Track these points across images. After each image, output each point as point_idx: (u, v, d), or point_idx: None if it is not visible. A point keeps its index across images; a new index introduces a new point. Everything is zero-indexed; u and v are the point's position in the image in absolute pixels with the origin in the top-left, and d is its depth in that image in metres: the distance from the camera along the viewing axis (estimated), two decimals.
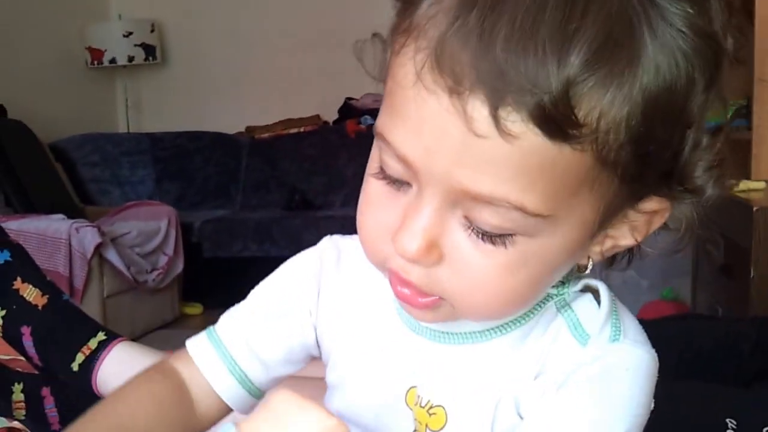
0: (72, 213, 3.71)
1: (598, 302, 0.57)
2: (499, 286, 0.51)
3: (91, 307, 3.29)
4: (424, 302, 0.53)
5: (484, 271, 0.50)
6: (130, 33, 4.75)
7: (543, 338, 0.58)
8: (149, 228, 3.62)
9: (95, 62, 4.83)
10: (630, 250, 0.58)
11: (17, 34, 4.45)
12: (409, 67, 0.48)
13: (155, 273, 3.60)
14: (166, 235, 3.72)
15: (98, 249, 3.31)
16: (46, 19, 4.64)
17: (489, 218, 0.48)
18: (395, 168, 0.51)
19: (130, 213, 3.83)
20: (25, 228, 3.39)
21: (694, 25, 0.47)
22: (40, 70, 4.57)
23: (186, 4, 4.96)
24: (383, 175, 0.53)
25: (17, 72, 4.39)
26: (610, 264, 0.59)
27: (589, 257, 0.56)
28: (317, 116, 4.84)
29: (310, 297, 0.67)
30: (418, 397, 0.60)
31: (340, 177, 4.42)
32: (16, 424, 1.07)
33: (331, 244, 0.68)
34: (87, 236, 3.29)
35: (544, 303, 0.58)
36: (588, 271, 0.57)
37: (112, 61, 4.81)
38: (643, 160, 0.48)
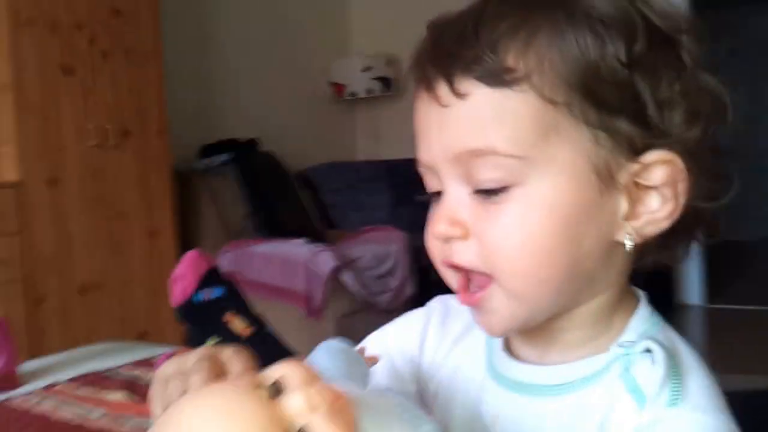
0: (314, 237, 3.88)
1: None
2: (517, 237, 0.55)
3: (327, 326, 3.41)
4: (478, 296, 0.58)
5: (500, 228, 0.56)
6: (369, 68, 4.93)
7: (605, 401, 0.57)
8: (382, 251, 3.70)
9: (338, 96, 5.06)
10: (690, 233, 0.61)
11: (270, 75, 4.77)
12: (414, 91, 0.62)
13: (387, 294, 3.66)
14: (397, 259, 3.79)
15: (334, 272, 3.43)
16: (295, 59, 4.93)
17: (482, 173, 0.55)
18: (431, 182, 0.61)
19: (366, 237, 3.94)
20: (270, 251, 3.60)
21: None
22: (288, 106, 4.87)
23: (421, 36, 5.05)
24: (430, 196, 0.62)
25: (268, 108, 4.70)
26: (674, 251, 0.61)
27: (627, 234, 0.57)
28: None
29: (414, 347, 0.73)
30: None
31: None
32: None
33: (441, 303, 0.75)
34: (324, 260, 3.43)
35: (611, 365, 0.58)
36: (628, 247, 0.57)
37: (353, 94, 5.02)
38: (593, 102, 0.54)
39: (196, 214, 3.93)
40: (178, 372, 0.52)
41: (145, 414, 1.44)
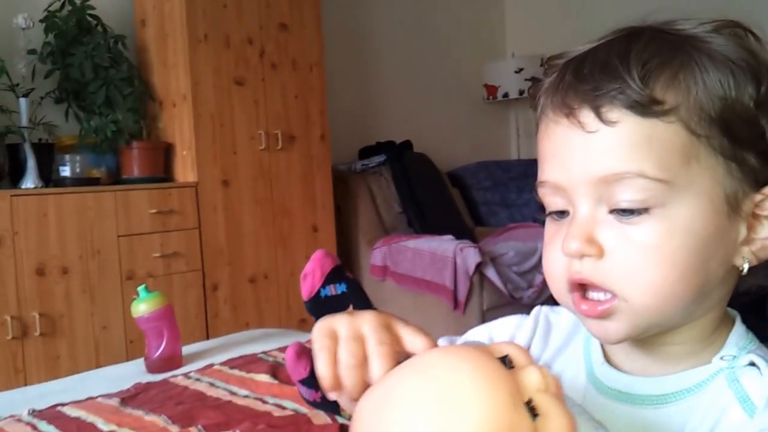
0: (462, 233, 3.96)
1: None
2: (657, 255, 0.57)
3: (471, 319, 3.48)
4: (602, 309, 0.59)
5: (638, 247, 0.57)
6: (521, 69, 4.93)
7: (713, 410, 0.58)
8: (527, 248, 3.72)
9: (490, 97, 5.10)
10: None
11: (424, 79, 4.88)
12: (543, 117, 0.64)
13: (531, 290, 3.68)
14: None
15: (479, 267, 3.50)
16: (449, 63, 5.02)
17: (624, 194, 0.57)
18: (554, 201, 0.63)
19: (511, 234, 3.97)
20: (420, 246, 3.71)
21: (728, 44, 0.59)
22: (442, 108, 4.96)
23: (571, 37, 4.99)
24: (551, 214, 0.64)
25: (423, 111, 4.82)
26: None
27: (743, 258, 0.60)
28: None
29: None
30: None
31: None
32: None
33: (543, 317, 0.78)
34: (470, 255, 3.50)
35: (714, 377, 0.60)
36: (744, 271, 0.60)
37: (505, 95, 5.04)
38: (729, 137, 0.57)
39: (353, 211, 4.10)
40: (353, 335, 0.52)
41: (285, 396, 1.58)
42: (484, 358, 0.44)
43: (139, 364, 1.93)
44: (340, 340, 0.52)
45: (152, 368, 1.85)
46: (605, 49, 0.60)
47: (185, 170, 3.39)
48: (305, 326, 3.46)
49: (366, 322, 0.53)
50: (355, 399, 0.49)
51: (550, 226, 0.64)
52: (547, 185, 0.63)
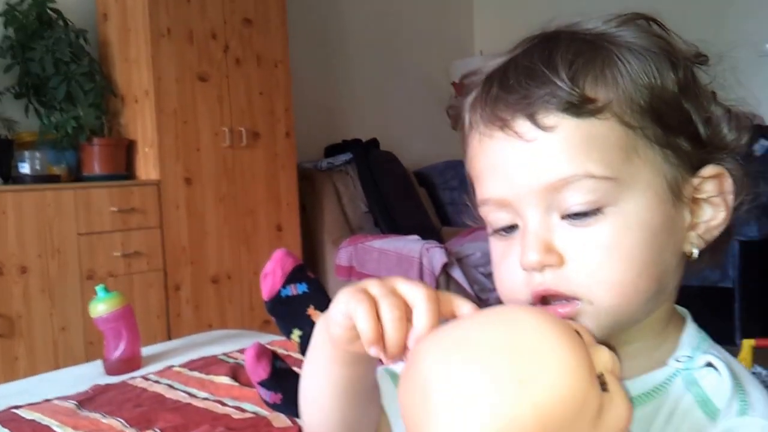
0: (429, 233, 3.98)
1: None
2: (617, 254, 0.57)
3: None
4: (566, 311, 0.58)
5: (597, 248, 0.58)
6: None
7: (676, 413, 0.59)
8: None
9: (458, 96, 5.11)
10: (730, 237, 0.64)
11: (392, 77, 4.89)
12: (472, 134, 0.63)
13: (497, 292, 3.70)
14: None
15: (445, 268, 3.52)
16: (417, 61, 5.04)
17: (574, 198, 0.57)
18: (500, 217, 0.62)
19: (478, 235, 3.98)
20: (386, 246, 3.73)
21: (639, 35, 0.61)
22: (409, 106, 4.98)
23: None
24: (496, 232, 0.63)
25: (389, 109, 4.83)
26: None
27: (691, 243, 0.62)
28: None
29: None
30: None
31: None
32: None
33: None
34: (436, 256, 3.52)
35: (671, 379, 0.60)
36: (695, 255, 0.62)
37: None
38: (661, 125, 0.59)
39: (319, 210, 4.11)
40: (389, 291, 0.54)
41: (245, 398, 1.58)
42: (568, 327, 0.47)
43: (97, 365, 1.92)
44: (378, 297, 0.54)
45: (111, 370, 1.84)
46: (526, 57, 0.60)
47: (147, 167, 3.36)
48: (268, 327, 3.45)
49: (398, 281, 0.55)
50: (395, 354, 0.52)
51: (498, 243, 0.63)
52: (490, 202, 0.62)
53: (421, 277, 3.51)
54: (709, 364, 0.60)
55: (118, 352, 1.84)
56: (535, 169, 0.58)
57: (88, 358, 2.89)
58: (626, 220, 0.58)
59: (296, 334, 1.42)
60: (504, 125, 0.59)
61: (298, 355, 1.48)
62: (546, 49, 0.60)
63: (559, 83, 0.57)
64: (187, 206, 3.41)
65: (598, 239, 0.57)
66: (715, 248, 0.64)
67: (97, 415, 1.51)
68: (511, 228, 0.61)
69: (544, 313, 0.48)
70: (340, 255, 3.94)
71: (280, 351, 1.96)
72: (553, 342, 0.45)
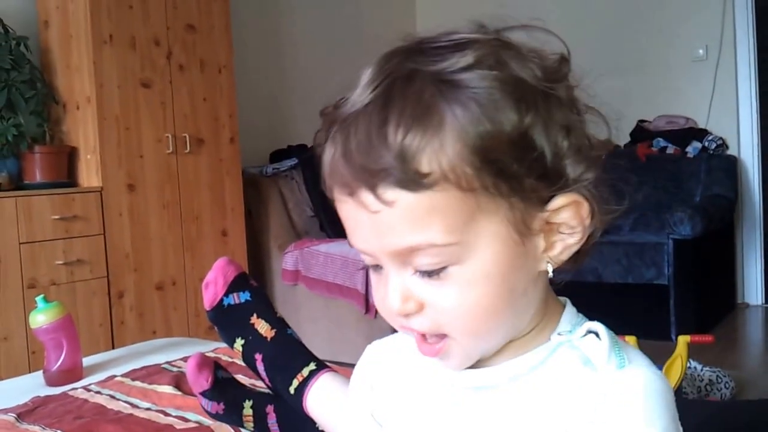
0: None
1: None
2: (468, 301, 0.62)
3: (382, 322, 3.52)
4: (439, 347, 0.65)
5: (448, 298, 0.62)
6: None
7: (561, 377, 0.65)
8: None
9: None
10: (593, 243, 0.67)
11: (337, 81, 4.90)
12: (332, 189, 0.65)
13: None
14: None
15: None
16: (363, 63, 5.05)
17: (423, 261, 0.61)
18: (367, 258, 0.66)
19: None
20: (332, 251, 3.73)
21: (482, 82, 0.60)
22: None
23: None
24: (370, 266, 0.67)
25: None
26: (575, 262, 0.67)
27: (546, 263, 0.64)
28: (608, 140, 4.71)
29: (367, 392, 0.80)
30: None
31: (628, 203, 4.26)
32: None
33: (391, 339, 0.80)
34: None
35: (555, 349, 0.66)
36: (550, 275, 0.65)
37: None
38: (502, 176, 0.59)
39: (265, 215, 4.10)
40: None
41: (188, 407, 1.58)
42: None
43: (38, 376, 1.89)
44: None
45: (51, 381, 1.82)
46: (366, 118, 0.61)
47: (89, 175, 3.32)
48: (214, 334, 3.42)
49: None
50: None
51: (373, 274, 0.67)
52: (355, 247, 0.66)
53: (366, 281, 3.53)
54: (590, 332, 0.65)
55: (58, 362, 1.82)
56: (383, 237, 0.61)
57: (32, 368, 2.85)
58: (472, 274, 0.61)
59: (239, 343, 1.43)
60: (351, 193, 0.61)
61: (242, 363, 1.48)
62: (383, 110, 0.60)
63: (393, 160, 0.58)
64: (130, 213, 3.37)
65: (447, 292, 0.61)
66: (577, 257, 0.66)
67: (36, 428, 1.49)
68: (378, 266, 0.65)
69: None
70: (286, 260, 3.94)
71: (225, 358, 1.97)
72: None
